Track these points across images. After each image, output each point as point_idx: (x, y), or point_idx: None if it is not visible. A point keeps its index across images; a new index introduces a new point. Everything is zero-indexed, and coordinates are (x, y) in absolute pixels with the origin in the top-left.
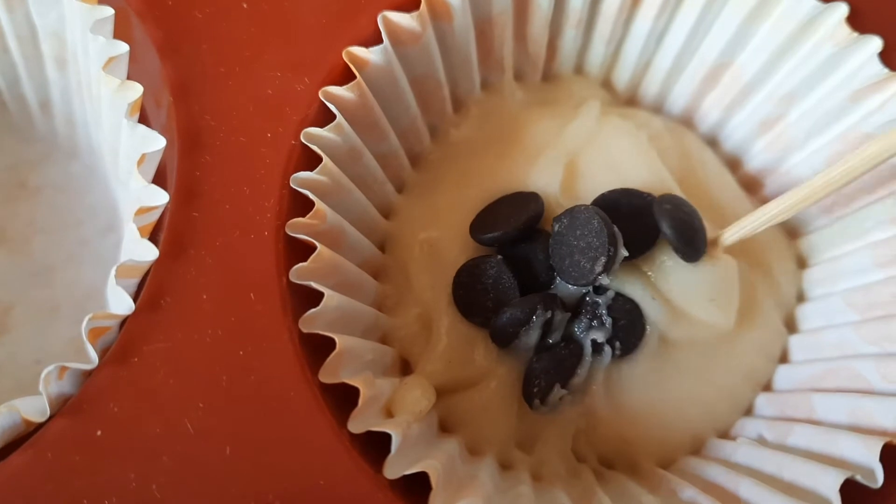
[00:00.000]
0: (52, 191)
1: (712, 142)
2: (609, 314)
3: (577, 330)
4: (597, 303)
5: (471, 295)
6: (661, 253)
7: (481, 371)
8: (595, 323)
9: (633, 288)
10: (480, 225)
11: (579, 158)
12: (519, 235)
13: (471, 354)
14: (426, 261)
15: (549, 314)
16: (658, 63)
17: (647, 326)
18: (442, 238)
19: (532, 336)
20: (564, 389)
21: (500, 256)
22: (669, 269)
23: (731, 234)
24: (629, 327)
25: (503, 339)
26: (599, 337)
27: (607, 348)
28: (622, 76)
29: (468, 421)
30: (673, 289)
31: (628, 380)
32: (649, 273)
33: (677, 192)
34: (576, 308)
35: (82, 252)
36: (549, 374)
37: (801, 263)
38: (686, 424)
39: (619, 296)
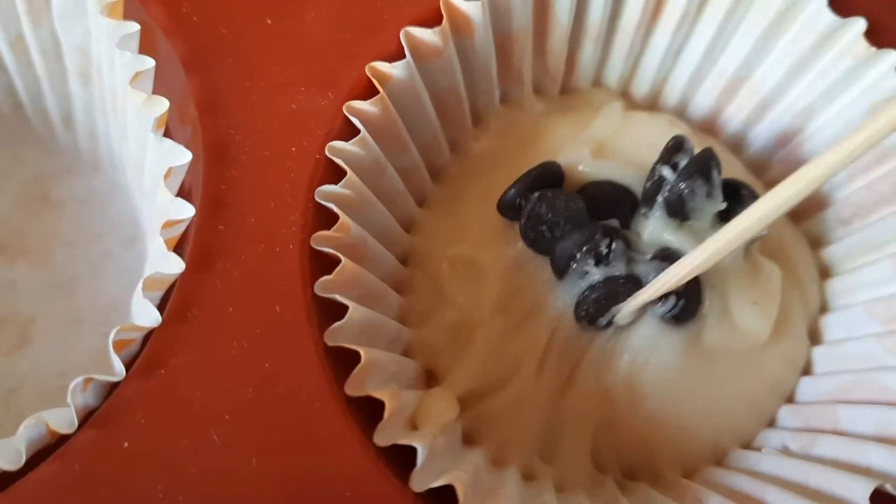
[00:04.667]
0: (75, 203)
1: (733, 151)
2: None
3: (653, 271)
4: (679, 255)
5: (544, 237)
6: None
7: (521, 360)
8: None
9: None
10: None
11: (606, 146)
12: (534, 180)
13: (511, 349)
14: (460, 274)
15: (608, 240)
16: (676, 77)
17: (700, 309)
18: (475, 250)
19: (586, 265)
20: (611, 311)
21: (536, 194)
22: (738, 258)
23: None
24: (691, 298)
25: (561, 266)
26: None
27: (672, 299)
28: (640, 90)
29: (494, 426)
30: (732, 281)
31: (652, 379)
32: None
33: None
34: (658, 254)
35: (104, 264)
36: (600, 305)
37: (824, 274)
38: (708, 432)
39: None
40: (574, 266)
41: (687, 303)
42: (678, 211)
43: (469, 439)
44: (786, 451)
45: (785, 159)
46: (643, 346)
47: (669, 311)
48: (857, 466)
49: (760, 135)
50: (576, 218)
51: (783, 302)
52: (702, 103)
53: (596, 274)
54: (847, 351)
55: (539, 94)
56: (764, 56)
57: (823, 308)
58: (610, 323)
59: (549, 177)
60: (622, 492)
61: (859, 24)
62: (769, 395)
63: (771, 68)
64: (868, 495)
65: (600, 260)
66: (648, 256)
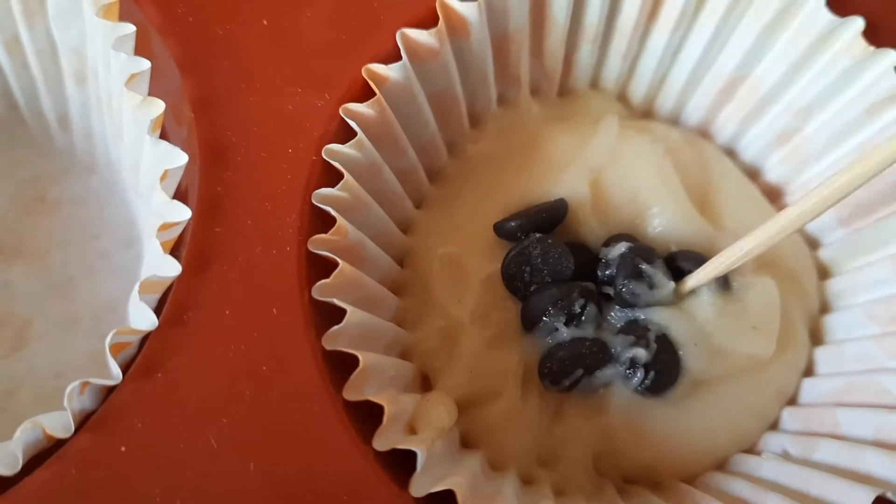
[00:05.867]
0: (71, 204)
1: (729, 154)
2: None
3: (619, 344)
4: (648, 328)
5: (522, 277)
6: (703, 292)
7: (504, 379)
8: (642, 343)
9: (678, 331)
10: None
11: (602, 178)
12: (540, 221)
13: (494, 364)
14: (448, 275)
15: (582, 301)
16: (674, 77)
17: (680, 376)
18: (463, 252)
19: (557, 321)
20: (574, 374)
21: (538, 234)
22: (710, 305)
23: (694, 281)
24: (664, 368)
25: (532, 317)
26: (641, 357)
27: (640, 373)
28: (638, 90)
29: (490, 435)
30: (717, 325)
31: (652, 413)
32: (695, 313)
33: (694, 214)
34: (625, 327)
35: (101, 265)
36: (564, 365)
37: (823, 274)
38: (713, 446)
39: (665, 338)
40: (545, 321)
41: (658, 374)
42: (633, 305)
43: (465, 444)
44: (786, 456)
45: (783, 160)
46: (627, 414)
47: (641, 383)
48: (858, 473)
49: (758, 136)
50: (560, 275)
51: (784, 308)
52: (699, 104)
53: (564, 332)
54: (846, 352)
55: (536, 95)
56: (762, 56)
57: (825, 308)
58: (573, 386)
59: (554, 219)
60: (621, 496)
61: (857, 24)
62: (773, 402)
63: (769, 68)
64: None
65: (572, 319)
66: (618, 326)
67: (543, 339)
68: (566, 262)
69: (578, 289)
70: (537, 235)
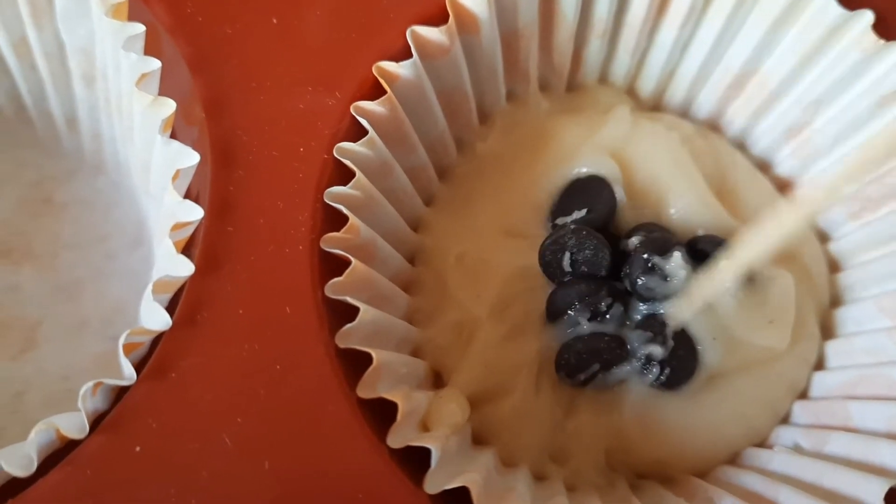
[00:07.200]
0: (79, 206)
1: (739, 147)
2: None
3: (636, 340)
4: (665, 323)
5: (560, 264)
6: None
7: (517, 374)
8: (659, 339)
9: (698, 325)
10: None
11: (622, 158)
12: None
13: (509, 358)
14: (466, 273)
15: (610, 300)
16: (683, 71)
17: (697, 370)
18: (482, 250)
19: (581, 317)
20: (591, 369)
21: (573, 226)
22: (732, 297)
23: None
24: (681, 364)
25: (557, 308)
26: (657, 354)
27: (656, 369)
28: (646, 85)
29: (502, 431)
30: (737, 317)
31: (665, 409)
32: (716, 305)
33: (711, 199)
34: (642, 322)
35: (109, 267)
36: (581, 358)
37: (834, 268)
38: (725, 441)
39: (684, 332)
40: (570, 314)
41: (674, 370)
42: (651, 299)
43: (477, 440)
44: (798, 450)
45: (793, 154)
46: (640, 410)
47: (657, 379)
48: (871, 465)
49: (768, 130)
50: (596, 267)
51: (796, 302)
52: (708, 99)
53: (586, 327)
54: (857, 346)
55: (545, 91)
56: (771, 50)
57: (835, 301)
58: (588, 381)
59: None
60: (633, 491)
61: (867, 17)
62: (784, 395)
63: (779, 62)
64: (882, 495)
65: (596, 316)
66: (637, 318)
67: (565, 332)
68: (602, 254)
69: (608, 287)
70: (572, 227)
